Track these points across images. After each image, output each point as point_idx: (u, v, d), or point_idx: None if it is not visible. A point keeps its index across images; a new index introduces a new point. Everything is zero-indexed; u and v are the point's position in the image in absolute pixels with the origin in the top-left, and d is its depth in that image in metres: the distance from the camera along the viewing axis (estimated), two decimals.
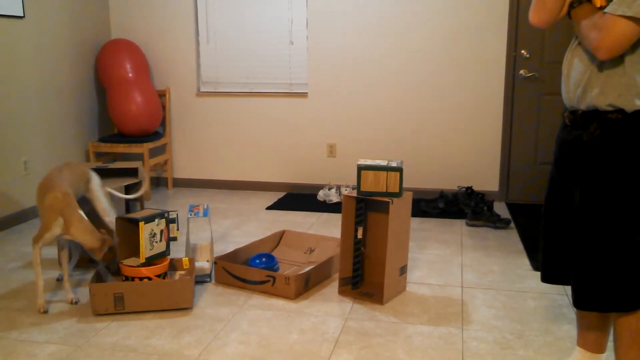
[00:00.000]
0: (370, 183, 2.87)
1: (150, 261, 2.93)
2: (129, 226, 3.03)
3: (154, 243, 2.94)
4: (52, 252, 3.69)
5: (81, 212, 2.82)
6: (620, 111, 1.84)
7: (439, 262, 3.53)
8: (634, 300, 1.91)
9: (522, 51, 4.70)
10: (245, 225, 4.32)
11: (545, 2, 1.93)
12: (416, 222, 4.37)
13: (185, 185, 5.56)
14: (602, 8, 1.80)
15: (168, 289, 2.83)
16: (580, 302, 1.99)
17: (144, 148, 4.96)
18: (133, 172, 3.80)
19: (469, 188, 4.62)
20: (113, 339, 2.57)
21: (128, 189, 3.66)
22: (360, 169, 2.88)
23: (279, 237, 3.69)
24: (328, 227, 4.24)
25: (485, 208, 4.27)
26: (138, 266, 2.88)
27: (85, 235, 2.79)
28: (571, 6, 1.90)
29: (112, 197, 3.26)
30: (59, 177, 2.90)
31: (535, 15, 1.98)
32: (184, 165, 5.55)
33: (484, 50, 4.78)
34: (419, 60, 4.91)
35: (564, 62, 2.01)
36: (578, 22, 1.88)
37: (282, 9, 5.13)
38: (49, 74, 4.66)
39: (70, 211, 2.78)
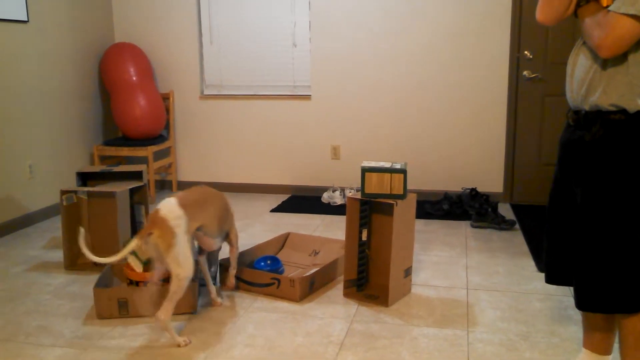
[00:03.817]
0: (375, 185, 2.87)
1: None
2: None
3: None
4: (51, 255, 3.71)
5: None
6: (622, 111, 1.84)
7: (444, 263, 3.52)
8: (637, 301, 1.90)
9: (526, 52, 4.69)
10: (249, 227, 4.32)
11: (551, 0, 1.93)
12: (421, 224, 4.36)
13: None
14: (608, 7, 1.81)
15: None
16: (583, 304, 1.99)
17: (148, 151, 4.97)
18: (137, 175, 3.80)
19: (474, 189, 4.61)
20: (119, 342, 2.58)
21: (132, 192, 3.67)
22: (364, 170, 2.87)
23: (283, 240, 3.69)
24: (332, 230, 4.24)
25: (489, 209, 4.27)
26: (143, 270, 2.89)
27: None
28: (578, 5, 1.91)
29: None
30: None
31: (542, 13, 1.97)
32: (188, 168, 5.56)
33: (487, 52, 4.77)
34: (423, 61, 4.91)
35: (568, 61, 2.01)
36: (584, 21, 1.88)
37: (285, 12, 5.14)
38: (53, 77, 4.68)
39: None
